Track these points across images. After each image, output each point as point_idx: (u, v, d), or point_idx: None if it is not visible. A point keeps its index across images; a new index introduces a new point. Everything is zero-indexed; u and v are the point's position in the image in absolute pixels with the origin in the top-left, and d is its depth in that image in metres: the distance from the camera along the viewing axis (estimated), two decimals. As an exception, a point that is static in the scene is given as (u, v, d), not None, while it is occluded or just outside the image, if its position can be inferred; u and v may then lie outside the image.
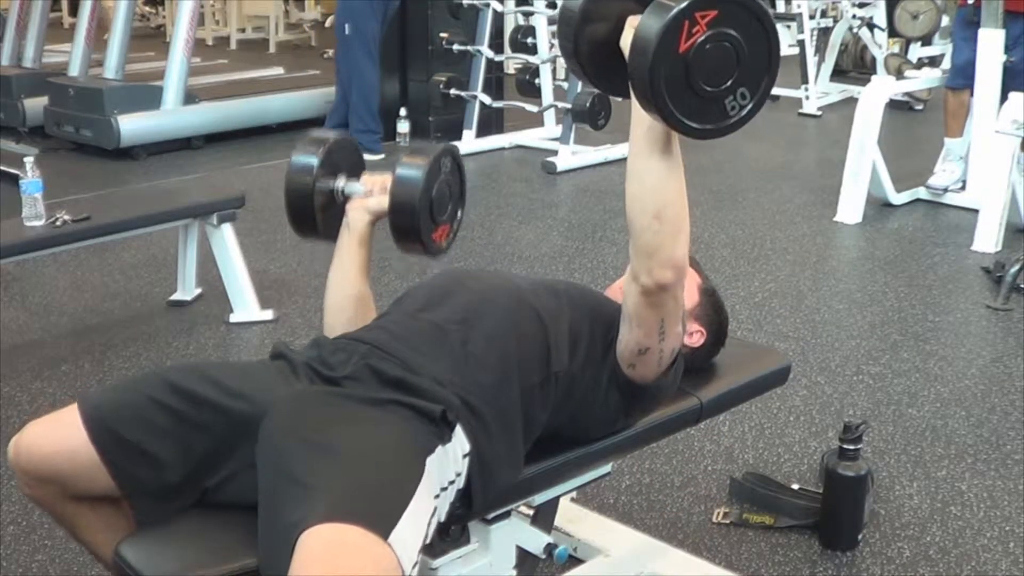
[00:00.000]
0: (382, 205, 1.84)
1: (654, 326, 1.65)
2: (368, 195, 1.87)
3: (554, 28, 6.92)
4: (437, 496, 1.51)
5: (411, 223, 1.78)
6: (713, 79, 1.42)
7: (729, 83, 1.43)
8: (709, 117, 1.44)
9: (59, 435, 1.56)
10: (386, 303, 1.91)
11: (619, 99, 1.61)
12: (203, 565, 1.47)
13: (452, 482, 1.56)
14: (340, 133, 2.00)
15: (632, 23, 1.49)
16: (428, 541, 1.47)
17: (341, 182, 1.91)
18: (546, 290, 1.80)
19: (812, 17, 8.13)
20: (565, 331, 1.71)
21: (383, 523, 1.34)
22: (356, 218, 1.88)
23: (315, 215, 1.90)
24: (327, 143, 1.91)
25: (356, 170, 1.94)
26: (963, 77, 5.16)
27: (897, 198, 5.24)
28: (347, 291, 1.90)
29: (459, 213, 1.92)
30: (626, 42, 1.49)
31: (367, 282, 1.92)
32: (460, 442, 1.57)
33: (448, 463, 1.55)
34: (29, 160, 3.28)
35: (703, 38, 1.39)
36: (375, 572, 1.31)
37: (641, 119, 1.51)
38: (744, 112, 1.46)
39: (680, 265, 1.58)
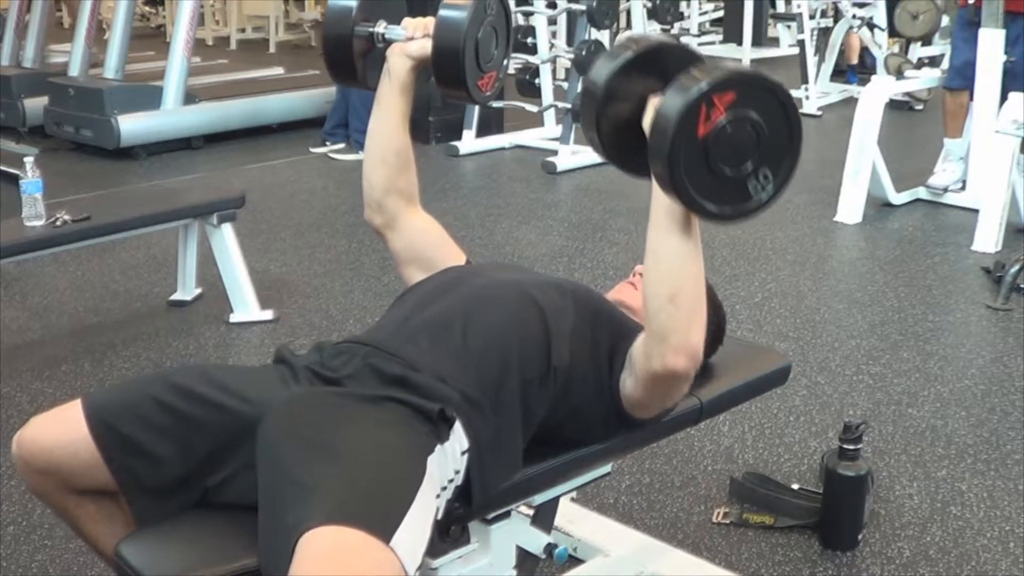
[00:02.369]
0: (424, 49, 1.77)
1: (658, 396, 1.68)
2: (410, 39, 1.81)
3: (554, 28, 6.92)
4: (438, 496, 1.50)
5: (455, 68, 1.70)
6: (733, 161, 1.41)
7: (749, 164, 1.42)
8: (731, 199, 1.44)
9: (61, 429, 1.56)
10: (386, 303, 1.91)
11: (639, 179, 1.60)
12: (204, 565, 1.46)
13: (451, 480, 1.56)
14: None
15: (654, 103, 1.48)
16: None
17: (381, 26, 1.83)
18: (550, 286, 1.79)
19: (812, 17, 8.12)
20: (567, 328, 1.71)
21: (385, 526, 1.33)
22: (397, 64, 1.82)
23: (354, 62, 1.82)
24: None
25: (397, 13, 1.84)
26: (961, 78, 5.16)
27: (897, 198, 5.25)
28: (388, 143, 1.87)
29: (505, 61, 1.83)
30: (647, 122, 1.49)
31: (407, 135, 1.88)
32: (459, 439, 1.56)
33: (447, 462, 1.54)
34: (29, 160, 3.28)
35: (722, 121, 1.39)
36: (378, 574, 1.30)
37: (661, 199, 1.50)
38: (766, 193, 1.45)
39: (694, 353, 1.56)
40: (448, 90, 1.76)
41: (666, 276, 1.53)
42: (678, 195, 1.42)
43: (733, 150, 1.40)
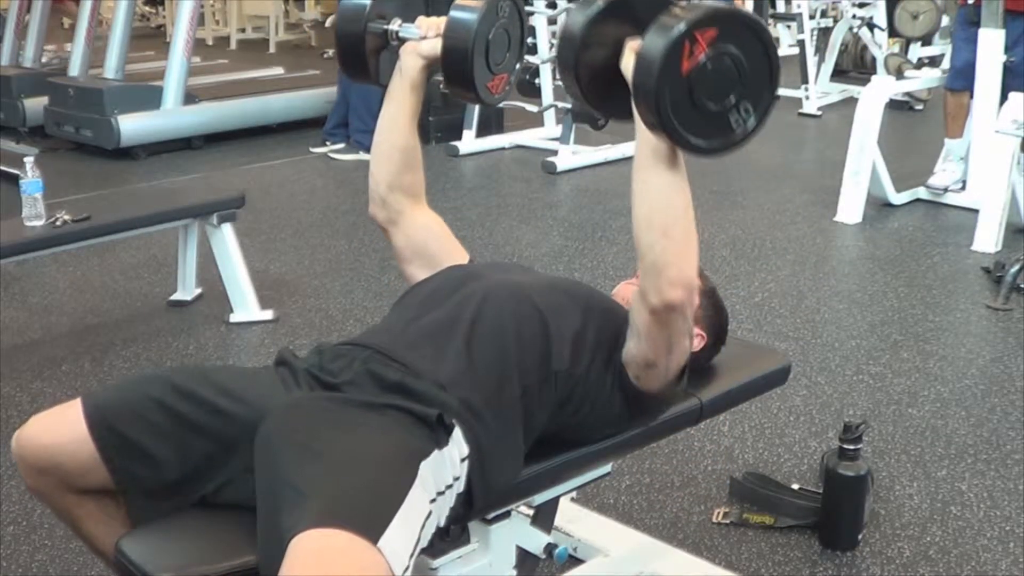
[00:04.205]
0: (436, 49, 1.78)
1: (662, 344, 1.65)
2: (423, 39, 1.82)
3: (554, 28, 6.92)
4: (433, 500, 1.50)
5: (464, 69, 1.71)
6: (716, 96, 1.44)
7: (732, 99, 1.46)
8: (714, 134, 1.47)
9: (60, 429, 1.57)
10: (386, 303, 1.91)
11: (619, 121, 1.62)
12: (204, 561, 1.47)
13: (450, 486, 1.55)
14: None
15: (632, 47, 1.51)
16: (424, 545, 1.47)
17: (396, 24, 1.84)
18: (550, 288, 1.79)
19: (812, 17, 8.13)
20: (568, 330, 1.71)
21: (372, 527, 1.33)
22: (409, 63, 1.83)
23: (367, 58, 1.83)
24: None
25: (412, 11, 1.86)
26: (962, 79, 5.16)
27: (897, 198, 5.24)
28: (395, 140, 1.88)
29: (517, 65, 1.84)
30: (626, 65, 1.52)
31: (416, 133, 1.89)
32: (458, 446, 1.56)
33: (445, 467, 1.54)
34: (29, 160, 3.28)
35: (704, 57, 1.42)
36: (364, 575, 1.30)
37: (645, 138, 1.51)
38: (748, 126, 1.48)
39: (689, 283, 1.57)
40: (457, 90, 1.77)
41: (658, 211, 1.54)
42: (665, 132, 1.45)
43: (716, 85, 1.44)
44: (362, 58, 1.85)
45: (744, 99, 1.46)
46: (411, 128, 1.88)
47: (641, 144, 1.54)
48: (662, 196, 1.54)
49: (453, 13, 1.73)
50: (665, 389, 1.76)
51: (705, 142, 1.46)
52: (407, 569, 1.37)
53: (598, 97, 1.61)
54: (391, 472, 1.45)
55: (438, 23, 1.79)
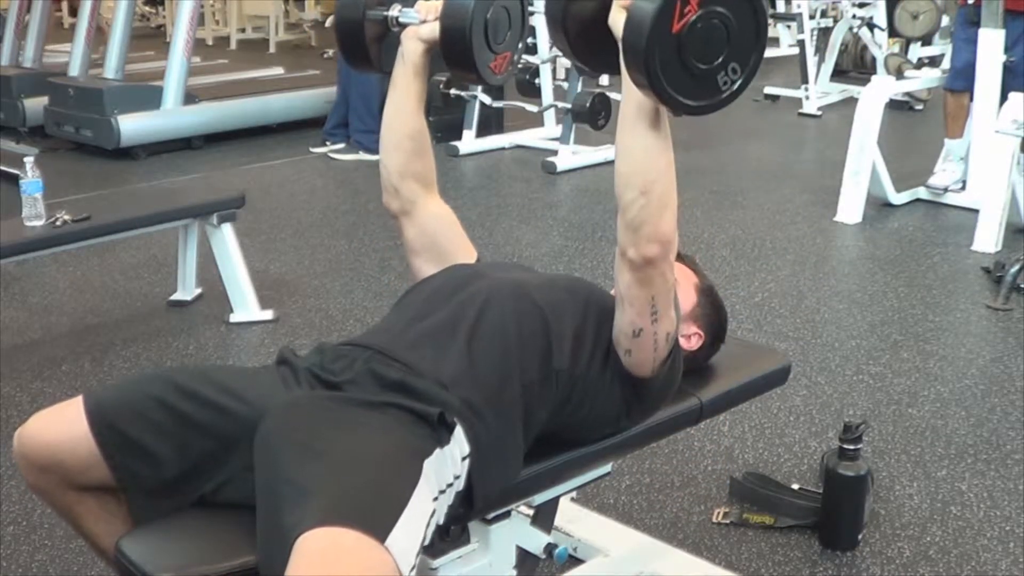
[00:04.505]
0: (436, 32, 1.78)
1: (645, 305, 1.64)
2: (423, 23, 1.81)
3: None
4: (435, 499, 1.50)
5: (463, 50, 1.71)
6: (705, 56, 1.45)
7: (720, 59, 1.46)
8: (702, 94, 1.47)
9: (61, 426, 1.57)
10: (386, 303, 1.91)
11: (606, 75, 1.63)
12: (204, 561, 1.47)
13: (450, 484, 1.55)
14: None
15: (621, 2, 1.51)
16: (426, 543, 1.47)
17: (395, 10, 1.84)
18: (550, 286, 1.79)
19: (812, 17, 8.12)
20: (568, 328, 1.70)
21: (380, 526, 1.33)
22: (411, 48, 1.83)
23: (367, 46, 1.83)
24: None
25: None
26: (963, 79, 5.16)
27: (897, 198, 5.24)
28: (403, 128, 1.88)
29: (520, 43, 1.84)
30: (615, 21, 1.52)
31: (423, 118, 1.89)
32: (459, 444, 1.56)
33: (446, 466, 1.54)
34: (29, 160, 3.28)
35: (695, 17, 1.42)
36: (372, 574, 1.30)
37: (631, 96, 1.52)
38: (735, 87, 1.49)
39: (666, 239, 1.58)
40: (458, 71, 1.77)
41: (639, 169, 1.54)
42: (653, 90, 1.44)
43: (705, 45, 1.44)
44: (363, 46, 1.84)
45: (732, 59, 1.47)
46: (418, 113, 1.88)
47: (627, 101, 1.54)
48: (644, 155, 1.54)
49: None
50: (658, 371, 1.74)
51: (693, 102, 1.46)
52: (413, 568, 1.37)
53: (586, 52, 1.61)
54: (396, 470, 1.45)
55: (437, 6, 1.79)
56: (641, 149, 1.54)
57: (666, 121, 1.54)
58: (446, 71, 1.77)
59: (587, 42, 1.59)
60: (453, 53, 1.73)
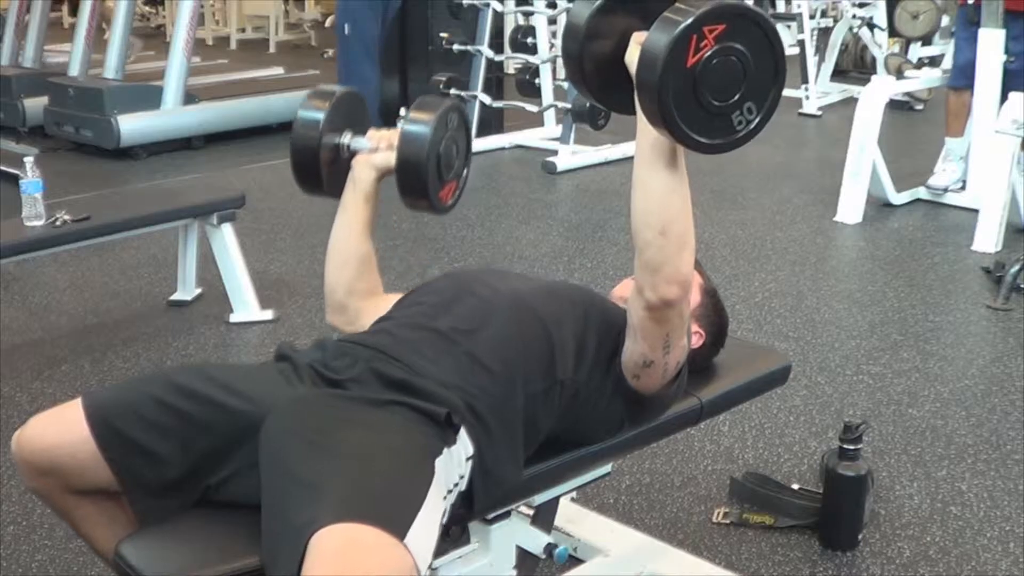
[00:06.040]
0: (388, 162, 1.83)
1: (658, 340, 1.65)
2: (374, 151, 1.86)
3: (554, 28, 6.92)
4: (445, 498, 1.50)
5: (418, 180, 1.76)
6: (720, 93, 1.43)
7: (736, 97, 1.44)
8: (716, 131, 1.45)
9: (61, 429, 1.56)
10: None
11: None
12: (204, 565, 1.46)
13: (456, 485, 1.55)
14: (347, 88, 1.95)
15: (637, 39, 1.49)
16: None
17: (347, 137, 1.89)
18: (551, 295, 1.79)
19: (812, 17, 8.13)
20: (570, 338, 1.70)
21: (399, 524, 1.33)
22: (362, 174, 1.87)
23: (320, 170, 1.87)
24: (334, 97, 1.87)
25: (363, 125, 1.91)
26: (965, 77, 5.16)
27: (897, 198, 5.24)
28: (351, 250, 1.91)
29: (465, 171, 1.89)
30: (631, 58, 1.50)
31: (371, 241, 1.91)
32: (464, 445, 1.56)
33: (453, 466, 1.54)
34: (29, 160, 3.28)
35: (710, 52, 1.40)
36: (392, 572, 1.29)
37: (647, 133, 1.51)
38: (751, 126, 1.47)
39: (685, 281, 1.57)
40: (412, 200, 1.81)
41: (655, 209, 1.53)
42: (667, 127, 1.43)
43: (721, 82, 1.42)
44: (316, 171, 1.88)
45: (748, 98, 1.45)
46: (366, 237, 1.91)
47: (642, 139, 1.53)
48: (661, 194, 1.53)
49: (406, 127, 1.77)
50: (664, 390, 1.75)
51: (707, 139, 1.45)
52: (429, 566, 1.36)
53: (602, 90, 1.60)
54: (410, 469, 1.44)
55: (389, 136, 1.84)
56: (657, 188, 1.53)
57: (683, 160, 1.52)
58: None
59: (603, 81, 1.58)
60: (410, 183, 1.78)
